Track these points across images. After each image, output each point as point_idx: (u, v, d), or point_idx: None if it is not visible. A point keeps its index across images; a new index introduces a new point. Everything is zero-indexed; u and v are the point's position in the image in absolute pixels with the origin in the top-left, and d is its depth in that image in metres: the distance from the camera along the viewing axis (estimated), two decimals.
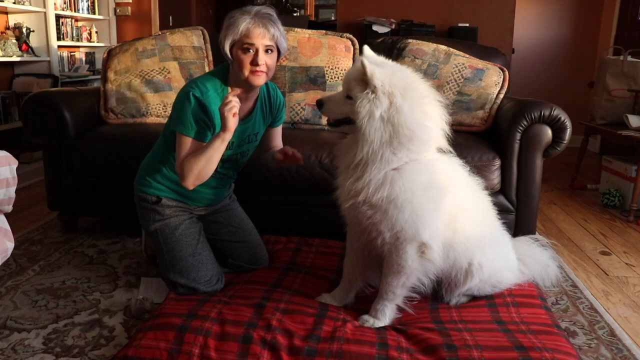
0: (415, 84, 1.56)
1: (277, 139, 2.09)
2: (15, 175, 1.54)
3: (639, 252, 2.56)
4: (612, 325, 1.81)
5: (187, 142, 1.76)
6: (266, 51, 1.75)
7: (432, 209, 1.56)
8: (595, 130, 3.67)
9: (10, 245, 1.57)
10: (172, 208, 1.91)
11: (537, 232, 2.67)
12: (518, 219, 2.33)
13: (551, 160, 4.39)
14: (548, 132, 2.26)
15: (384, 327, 1.63)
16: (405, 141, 1.51)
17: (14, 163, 1.55)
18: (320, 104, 1.65)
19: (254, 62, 1.74)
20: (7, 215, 1.60)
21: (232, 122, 1.67)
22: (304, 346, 1.48)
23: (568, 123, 2.25)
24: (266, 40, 1.74)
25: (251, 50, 1.73)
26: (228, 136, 1.70)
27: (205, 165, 1.71)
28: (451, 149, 1.65)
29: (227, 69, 1.86)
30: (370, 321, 1.66)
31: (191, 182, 1.74)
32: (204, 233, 1.98)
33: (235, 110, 1.68)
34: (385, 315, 1.66)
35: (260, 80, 1.77)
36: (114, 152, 2.44)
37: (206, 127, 1.77)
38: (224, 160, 1.86)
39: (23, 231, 2.67)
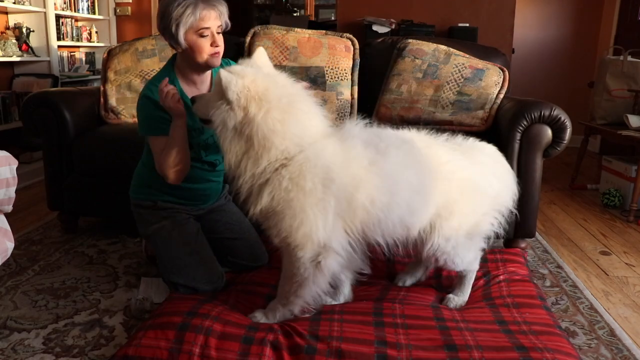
0: (274, 90, 1.48)
1: None
2: (15, 175, 1.54)
3: (639, 252, 2.56)
4: (612, 325, 1.81)
5: (155, 141, 1.78)
6: (218, 32, 1.78)
7: (319, 209, 1.48)
8: (595, 130, 3.67)
9: (10, 245, 1.57)
10: (168, 210, 1.93)
11: (537, 232, 2.68)
12: (518, 219, 2.33)
13: (551, 160, 4.39)
14: (548, 132, 2.26)
15: (383, 325, 1.62)
16: (262, 151, 1.47)
17: (14, 163, 1.55)
18: (193, 100, 1.65)
19: (214, 45, 1.76)
20: (7, 215, 1.60)
21: (177, 108, 1.70)
22: (304, 344, 1.48)
23: (568, 123, 2.25)
24: (218, 20, 1.77)
25: (207, 34, 1.75)
26: (181, 121, 1.72)
27: (176, 155, 1.72)
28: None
29: (173, 60, 1.87)
30: (258, 316, 1.64)
31: (173, 177, 1.75)
32: (202, 232, 1.98)
33: (174, 97, 1.70)
34: (275, 316, 1.64)
35: (218, 60, 1.81)
36: (114, 152, 2.44)
37: (166, 122, 1.77)
38: (203, 147, 1.88)
39: (23, 231, 2.67)
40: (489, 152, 1.81)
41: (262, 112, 1.45)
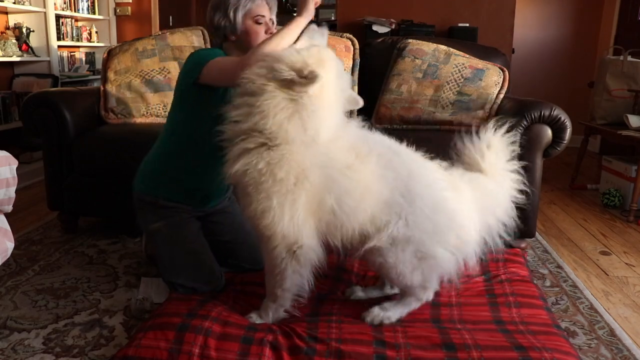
0: (331, 86, 1.51)
1: None
2: (15, 175, 1.54)
3: (639, 252, 2.56)
4: (612, 325, 1.81)
5: (224, 60, 1.72)
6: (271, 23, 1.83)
7: (287, 200, 1.47)
8: (595, 130, 3.67)
9: (10, 245, 1.57)
10: (170, 209, 1.90)
11: (537, 232, 2.68)
12: (518, 219, 2.32)
13: (551, 160, 4.39)
14: (548, 132, 2.26)
15: (381, 325, 1.62)
16: (290, 121, 1.46)
17: (14, 163, 1.55)
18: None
19: (269, 32, 1.80)
20: (7, 215, 1.60)
21: (312, 5, 1.69)
22: (303, 346, 1.48)
23: (568, 123, 2.25)
24: (272, 13, 1.83)
25: (262, 22, 1.80)
26: (305, 21, 1.68)
27: (281, 40, 1.62)
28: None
29: (218, 49, 1.86)
30: (253, 317, 1.65)
31: (260, 56, 1.59)
32: (202, 233, 1.97)
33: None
34: (269, 315, 1.64)
35: None
36: (114, 152, 2.44)
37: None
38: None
39: (23, 231, 2.67)
40: (482, 194, 1.68)
41: (317, 91, 1.46)
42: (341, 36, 2.84)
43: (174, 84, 2.74)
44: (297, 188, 1.47)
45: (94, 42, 5.16)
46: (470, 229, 1.62)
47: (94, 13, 5.12)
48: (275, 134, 1.46)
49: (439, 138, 2.38)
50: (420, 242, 1.54)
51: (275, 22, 1.87)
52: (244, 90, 1.50)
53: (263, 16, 1.80)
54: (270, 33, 1.80)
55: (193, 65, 1.76)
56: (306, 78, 1.43)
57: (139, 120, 2.74)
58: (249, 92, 1.48)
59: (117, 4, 5.33)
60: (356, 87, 2.76)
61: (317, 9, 1.75)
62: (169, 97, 2.72)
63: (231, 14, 1.78)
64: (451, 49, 2.72)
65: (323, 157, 1.51)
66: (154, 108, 2.73)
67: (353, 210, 1.51)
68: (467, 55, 2.71)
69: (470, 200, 1.64)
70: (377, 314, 1.64)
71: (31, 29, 4.12)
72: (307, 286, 1.63)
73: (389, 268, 1.58)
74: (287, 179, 1.46)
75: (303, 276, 1.59)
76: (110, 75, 2.77)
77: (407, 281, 1.61)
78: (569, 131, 2.26)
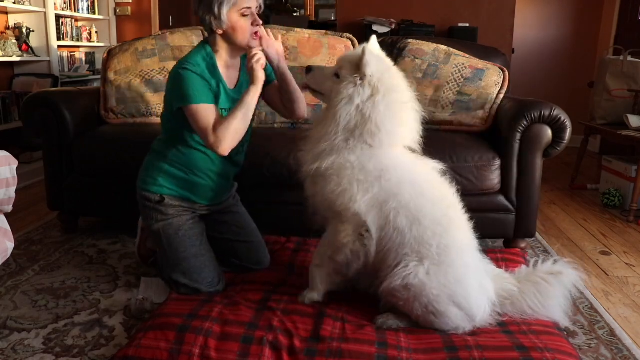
0: (401, 87, 1.61)
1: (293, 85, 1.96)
2: (15, 175, 1.54)
3: (639, 252, 2.56)
4: (612, 325, 1.81)
5: (203, 109, 1.70)
6: (258, 12, 1.79)
7: (363, 187, 1.56)
8: (595, 130, 3.67)
9: (10, 245, 1.57)
10: (176, 208, 1.89)
11: (537, 232, 2.68)
12: (518, 219, 2.33)
13: (551, 160, 4.39)
14: (548, 132, 2.26)
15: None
16: (366, 135, 1.57)
17: (14, 163, 1.55)
18: (309, 69, 1.73)
19: (256, 24, 1.77)
20: (7, 215, 1.60)
21: (261, 74, 1.73)
22: (304, 346, 1.48)
23: (568, 123, 2.25)
24: (256, 2, 1.78)
25: (248, 14, 1.75)
26: (258, 89, 1.73)
27: (241, 121, 1.70)
28: (421, 150, 1.67)
29: (205, 44, 1.85)
30: (303, 294, 1.72)
31: (228, 145, 1.70)
32: (205, 234, 1.97)
33: (263, 62, 1.73)
34: (317, 283, 1.71)
35: (258, 42, 1.80)
36: (114, 152, 2.44)
37: (212, 93, 1.77)
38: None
39: (23, 231, 2.67)
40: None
41: (386, 100, 1.55)
42: (341, 36, 2.84)
43: None
44: (376, 181, 1.56)
45: (94, 42, 5.16)
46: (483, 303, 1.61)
47: (94, 13, 5.13)
48: (373, 134, 1.56)
49: (439, 138, 2.38)
50: (426, 296, 1.54)
51: (262, 7, 1.83)
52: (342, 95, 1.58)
53: (249, 8, 1.75)
54: (257, 24, 1.77)
55: (177, 96, 1.74)
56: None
57: (139, 120, 2.74)
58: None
59: (117, 4, 5.34)
60: None
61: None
62: None
63: (216, 9, 1.73)
64: (451, 49, 2.72)
65: (403, 170, 1.60)
66: (154, 108, 2.73)
67: (399, 229, 1.56)
68: (467, 55, 2.71)
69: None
70: (384, 320, 1.63)
71: (31, 29, 4.12)
72: (348, 270, 1.68)
73: (415, 302, 1.56)
74: (372, 172, 1.56)
75: (352, 258, 1.64)
76: (110, 75, 2.77)
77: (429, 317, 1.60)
78: (569, 131, 2.26)
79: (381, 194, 1.56)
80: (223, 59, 1.84)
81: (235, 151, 1.82)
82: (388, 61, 1.67)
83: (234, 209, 2.08)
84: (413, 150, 1.67)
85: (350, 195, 1.56)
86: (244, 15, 1.75)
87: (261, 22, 1.80)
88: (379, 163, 1.57)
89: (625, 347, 1.68)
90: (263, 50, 1.79)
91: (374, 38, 1.70)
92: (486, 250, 2.15)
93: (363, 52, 1.53)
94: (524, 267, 1.78)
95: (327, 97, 1.68)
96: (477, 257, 1.66)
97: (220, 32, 1.78)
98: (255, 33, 1.78)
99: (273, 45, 1.84)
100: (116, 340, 1.67)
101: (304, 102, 1.96)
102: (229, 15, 1.74)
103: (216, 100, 1.79)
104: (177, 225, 1.88)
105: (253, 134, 2.03)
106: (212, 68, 1.80)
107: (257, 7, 1.79)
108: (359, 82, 1.55)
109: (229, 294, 1.83)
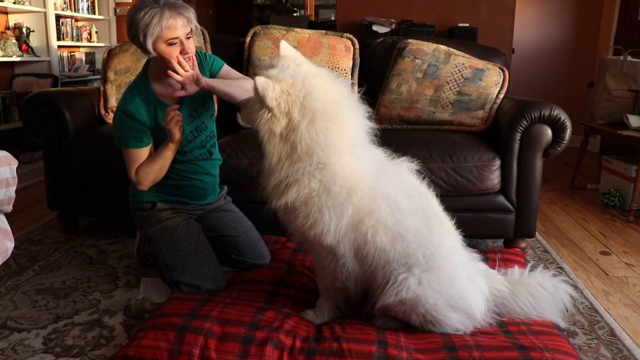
0: (317, 97, 1.42)
1: (233, 77, 1.98)
2: (15, 175, 1.54)
3: (639, 252, 2.56)
4: (612, 325, 1.81)
5: (130, 154, 1.85)
6: (187, 38, 1.77)
7: (332, 214, 1.48)
8: (595, 130, 3.67)
9: (10, 245, 1.57)
10: (168, 211, 1.95)
11: (537, 232, 2.68)
12: (518, 219, 2.33)
13: (551, 160, 4.39)
14: (548, 132, 2.26)
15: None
16: (304, 156, 1.45)
17: (14, 163, 1.55)
18: (238, 108, 1.68)
19: (184, 52, 1.77)
20: (7, 215, 1.60)
21: (178, 134, 1.78)
22: (304, 346, 1.48)
23: (568, 123, 2.25)
24: (186, 27, 1.76)
25: (176, 42, 1.74)
26: (176, 146, 1.81)
27: (159, 170, 1.84)
28: (377, 145, 1.59)
29: (147, 66, 1.88)
30: (309, 314, 1.68)
31: (146, 186, 1.87)
32: (203, 233, 1.98)
33: (178, 123, 1.77)
34: (324, 312, 1.67)
35: (190, 64, 1.81)
36: (114, 152, 2.43)
37: (141, 132, 1.83)
38: (187, 140, 1.91)
39: (23, 231, 2.67)
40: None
41: (305, 120, 1.41)
42: (341, 36, 2.84)
43: None
44: (347, 201, 1.47)
45: (94, 42, 5.16)
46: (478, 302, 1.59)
47: (94, 13, 5.13)
48: (311, 155, 1.45)
49: (439, 138, 2.38)
50: (423, 305, 1.52)
51: (196, 29, 1.82)
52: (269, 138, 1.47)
53: (176, 37, 1.72)
54: (186, 53, 1.76)
55: (115, 135, 1.88)
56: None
57: None
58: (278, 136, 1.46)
59: (117, 4, 5.33)
60: (356, 87, 2.76)
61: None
62: None
63: (141, 38, 1.72)
64: (451, 49, 2.72)
65: (370, 180, 1.50)
66: None
67: (382, 247, 1.50)
68: (467, 55, 2.71)
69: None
70: (383, 321, 1.63)
71: (31, 29, 4.12)
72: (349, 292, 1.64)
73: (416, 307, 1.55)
74: (340, 193, 1.47)
75: (347, 279, 1.60)
76: (110, 75, 2.77)
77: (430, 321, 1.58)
78: (569, 131, 2.26)
79: (356, 213, 1.49)
80: (162, 80, 1.86)
81: (201, 146, 1.95)
82: (292, 73, 1.44)
83: (227, 207, 2.12)
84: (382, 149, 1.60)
85: (322, 226, 1.48)
86: (171, 44, 1.74)
87: (190, 50, 1.77)
88: (344, 181, 1.47)
89: (625, 347, 1.68)
90: (185, 87, 1.80)
91: (283, 44, 1.51)
92: (486, 250, 2.16)
93: (254, 84, 1.38)
94: (517, 268, 1.77)
95: None
96: (465, 254, 1.63)
97: (150, 56, 1.81)
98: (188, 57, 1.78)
99: (193, 80, 1.80)
100: (116, 340, 1.67)
101: (242, 94, 1.87)
102: (155, 45, 1.74)
103: (154, 129, 1.85)
104: (172, 226, 1.91)
105: (247, 134, 2.03)
106: (147, 97, 1.84)
107: (187, 34, 1.76)
108: (268, 115, 1.42)
109: (230, 293, 1.83)
